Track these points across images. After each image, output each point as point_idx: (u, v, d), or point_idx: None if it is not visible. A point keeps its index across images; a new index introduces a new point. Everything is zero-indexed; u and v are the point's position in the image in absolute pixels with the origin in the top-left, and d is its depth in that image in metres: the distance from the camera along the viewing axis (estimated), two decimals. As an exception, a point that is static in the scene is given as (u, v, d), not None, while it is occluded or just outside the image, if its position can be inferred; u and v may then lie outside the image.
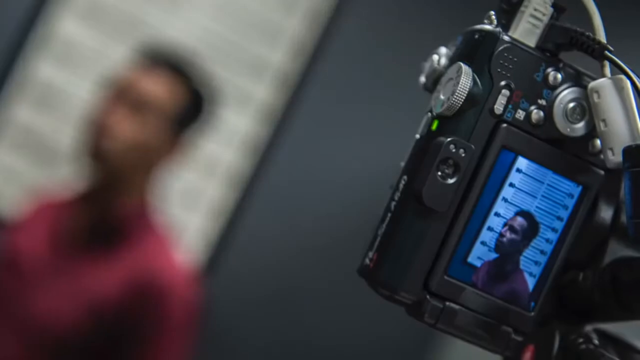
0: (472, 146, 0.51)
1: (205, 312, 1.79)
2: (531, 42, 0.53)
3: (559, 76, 0.53)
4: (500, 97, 0.52)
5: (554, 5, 0.53)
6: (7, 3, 2.21)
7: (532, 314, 0.54)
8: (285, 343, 2.38)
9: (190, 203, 2.31)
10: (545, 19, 0.53)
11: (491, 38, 0.52)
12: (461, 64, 0.52)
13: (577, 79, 0.53)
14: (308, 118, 2.34)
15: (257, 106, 2.33)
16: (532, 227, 0.53)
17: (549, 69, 0.53)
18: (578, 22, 0.53)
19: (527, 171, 0.53)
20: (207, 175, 2.32)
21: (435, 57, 0.56)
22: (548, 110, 0.52)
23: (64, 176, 2.05)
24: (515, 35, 0.53)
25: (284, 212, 2.37)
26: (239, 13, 2.32)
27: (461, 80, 0.51)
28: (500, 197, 0.52)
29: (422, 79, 0.57)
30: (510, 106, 0.52)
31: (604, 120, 0.51)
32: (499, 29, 0.53)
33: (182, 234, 2.21)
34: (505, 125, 0.52)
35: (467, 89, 0.51)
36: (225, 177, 2.33)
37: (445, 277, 0.52)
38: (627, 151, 0.49)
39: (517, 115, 0.52)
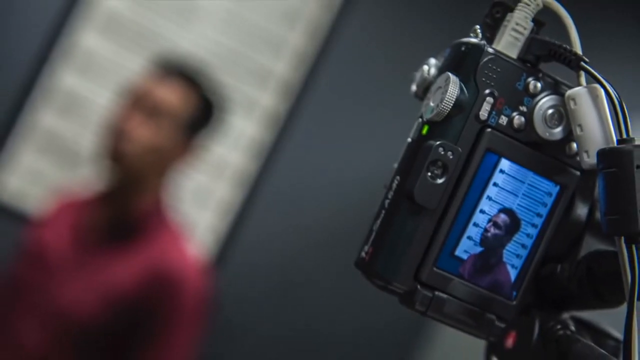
0: (459, 149, 0.52)
1: (214, 302, 1.79)
2: (513, 53, 0.53)
3: (539, 85, 0.53)
4: (485, 104, 0.52)
5: (534, 20, 0.53)
6: (33, 18, 2.22)
7: (514, 302, 0.54)
8: (289, 331, 2.38)
9: (200, 201, 2.31)
10: (526, 32, 0.53)
11: (476, 50, 0.52)
12: (449, 73, 0.52)
13: (555, 88, 0.53)
14: (309, 123, 2.34)
15: (262, 112, 2.33)
16: (514, 223, 0.53)
17: (530, 79, 0.53)
18: (556, 35, 0.53)
19: (509, 172, 0.53)
20: (216, 176, 2.32)
21: (425, 67, 0.56)
22: (529, 116, 0.53)
23: (85, 177, 2.05)
24: (499, 48, 0.53)
25: (287, 210, 2.37)
26: (245, 26, 2.32)
27: (449, 89, 0.51)
28: (485, 195, 0.53)
29: (413, 87, 0.58)
30: (494, 112, 0.52)
31: (579, 125, 0.51)
32: (483, 42, 0.53)
33: (194, 230, 2.21)
34: (489, 129, 0.52)
35: (455, 97, 0.51)
36: (233, 177, 2.33)
37: (435, 269, 0.52)
38: (601, 154, 0.49)
39: (500, 121, 0.52)
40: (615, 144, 0.49)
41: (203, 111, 1.71)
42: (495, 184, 0.53)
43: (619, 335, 0.56)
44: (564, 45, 0.52)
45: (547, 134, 0.53)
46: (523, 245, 0.54)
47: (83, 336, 1.56)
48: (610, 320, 0.57)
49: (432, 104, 0.53)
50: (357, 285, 0.84)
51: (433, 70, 0.56)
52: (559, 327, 0.54)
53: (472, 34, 0.54)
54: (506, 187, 0.53)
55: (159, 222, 1.66)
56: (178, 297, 1.59)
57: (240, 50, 2.32)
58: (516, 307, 0.54)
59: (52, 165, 2.24)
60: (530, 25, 0.53)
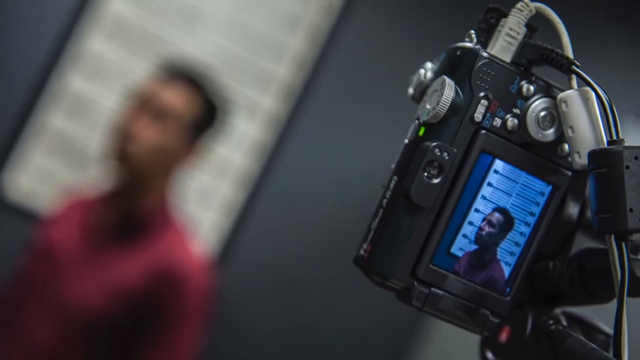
0: (455, 150, 0.51)
1: (217, 298, 1.79)
2: (507, 58, 0.53)
3: (532, 88, 0.53)
4: (479, 106, 0.52)
5: (527, 26, 0.53)
6: (43, 24, 2.21)
7: (508, 298, 0.54)
8: (290, 327, 2.38)
9: (204, 201, 2.31)
10: (520, 37, 0.53)
11: (471, 54, 0.52)
12: (445, 77, 0.52)
13: (547, 91, 0.53)
14: (309, 125, 2.34)
15: (264, 114, 2.33)
16: (507, 222, 0.53)
17: (523, 82, 0.53)
18: (549, 40, 0.53)
19: (503, 172, 0.53)
20: (220, 176, 2.32)
21: (421, 71, 0.56)
22: (522, 118, 0.53)
23: (93, 177, 2.05)
24: (493, 52, 0.53)
25: (288, 209, 2.37)
26: (248, 32, 2.32)
27: (445, 92, 0.51)
28: (480, 195, 0.52)
29: (410, 90, 0.57)
30: (488, 114, 0.52)
31: (571, 127, 0.51)
32: (478, 46, 0.53)
33: (198, 229, 2.21)
34: (484, 131, 0.52)
35: (450, 100, 0.51)
36: (236, 178, 2.33)
37: (431, 266, 0.52)
38: (592, 154, 0.49)
39: (494, 123, 0.52)
40: (606, 145, 0.49)
41: (207, 113, 1.71)
42: (489, 184, 0.53)
43: (609, 330, 0.56)
44: (556, 50, 0.52)
45: (540, 135, 0.53)
46: (516, 243, 0.54)
47: (91, 331, 1.56)
48: (600, 315, 0.57)
49: (428, 106, 0.53)
50: (356, 282, 0.84)
51: (429, 74, 0.56)
52: (551, 322, 0.54)
53: (467, 39, 0.54)
54: (500, 186, 0.53)
55: (165, 221, 1.66)
56: (182, 293, 1.59)
57: (243, 55, 2.32)
58: (510, 303, 0.54)
59: (61, 166, 2.24)
60: (523, 30, 0.53)
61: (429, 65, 0.56)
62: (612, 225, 0.47)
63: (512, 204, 0.53)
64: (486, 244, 0.53)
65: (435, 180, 0.51)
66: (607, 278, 0.48)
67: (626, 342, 0.47)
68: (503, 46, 0.53)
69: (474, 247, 0.53)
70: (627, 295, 0.47)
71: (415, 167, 0.51)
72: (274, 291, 2.36)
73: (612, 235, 0.48)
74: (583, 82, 0.51)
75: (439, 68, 0.55)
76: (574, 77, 0.52)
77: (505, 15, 0.54)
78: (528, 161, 0.53)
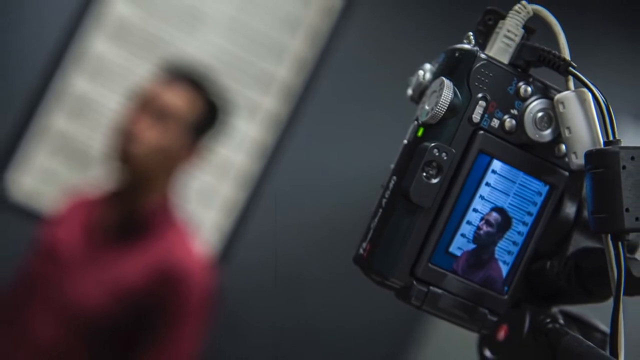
0: (453, 150, 0.52)
1: (218, 297, 1.79)
2: (505, 59, 0.53)
3: (529, 89, 0.53)
4: (477, 107, 0.52)
5: (524, 27, 0.54)
6: (46, 25, 2.22)
7: (506, 297, 0.54)
8: (290, 325, 2.38)
9: (206, 201, 2.31)
10: (517, 39, 0.53)
11: (470, 56, 0.52)
12: (443, 78, 0.52)
13: (545, 92, 0.53)
14: (309, 125, 2.34)
15: (264, 115, 2.33)
16: (505, 221, 0.53)
17: (520, 83, 0.53)
18: (546, 42, 0.53)
19: (501, 172, 0.53)
20: (221, 177, 2.32)
21: (420, 72, 0.56)
22: (519, 119, 0.53)
23: (95, 177, 2.05)
24: (491, 54, 0.53)
25: (288, 209, 2.37)
26: (248, 33, 2.32)
27: (443, 93, 0.51)
28: (478, 194, 0.53)
29: (409, 91, 0.57)
30: (486, 115, 0.52)
31: (568, 128, 0.51)
32: (476, 48, 0.53)
33: (199, 228, 2.21)
34: (482, 132, 0.52)
35: (449, 100, 0.51)
36: (237, 178, 2.33)
37: (430, 265, 0.52)
38: (589, 155, 0.49)
39: (492, 123, 0.52)
40: (602, 146, 0.49)
41: (208, 114, 1.70)
42: (487, 184, 0.53)
43: (605, 328, 0.56)
44: (553, 51, 0.52)
45: (537, 136, 0.53)
46: (514, 243, 0.54)
47: (93, 330, 1.56)
48: (597, 314, 0.57)
49: (427, 107, 0.53)
50: (356, 281, 0.84)
51: (428, 75, 0.56)
52: (548, 320, 0.54)
53: (465, 40, 0.54)
54: (498, 186, 0.53)
55: (166, 221, 1.66)
56: (184, 292, 1.59)
57: (243, 56, 2.32)
58: (508, 302, 0.54)
59: (64, 166, 2.24)
60: (521, 32, 0.53)
61: (427, 66, 0.56)
62: (609, 225, 0.48)
63: (509, 203, 0.53)
64: (484, 244, 0.53)
65: (434, 180, 0.51)
66: (604, 277, 0.48)
67: (623, 340, 0.47)
68: (501, 48, 0.53)
69: (472, 246, 0.53)
70: (624, 294, 0.47)
71: (414, 168, 0.51)
72: (275, 290, 2.36)
73: (609, 235, 0.48)
74: (580, 83, 0.51)
75: (438, 69, 0.55)
76: (570, 78, 0.52)
77: (503, 17, 0.54)
78: (526, 161, 0.53)
